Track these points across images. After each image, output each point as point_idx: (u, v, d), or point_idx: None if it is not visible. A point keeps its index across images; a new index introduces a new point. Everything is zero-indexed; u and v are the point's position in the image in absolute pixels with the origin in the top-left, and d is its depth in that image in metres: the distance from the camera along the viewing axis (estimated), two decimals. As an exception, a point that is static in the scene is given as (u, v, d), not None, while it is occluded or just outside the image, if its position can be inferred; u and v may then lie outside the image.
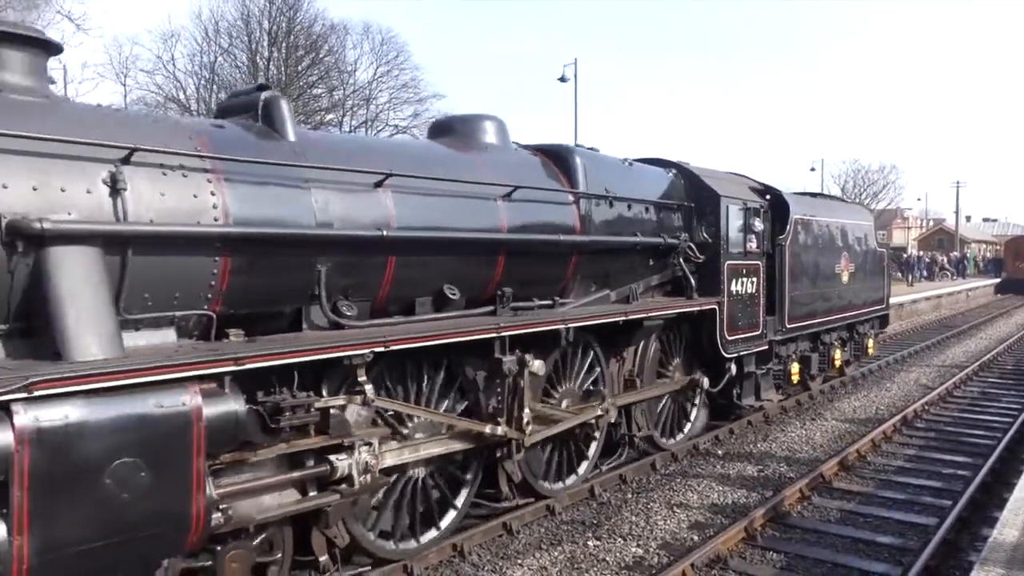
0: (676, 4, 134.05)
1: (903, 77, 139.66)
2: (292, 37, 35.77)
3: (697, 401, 9.45)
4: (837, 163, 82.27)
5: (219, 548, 4.67)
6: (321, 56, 36.81)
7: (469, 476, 6.53)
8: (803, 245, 10.65)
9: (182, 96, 34.60)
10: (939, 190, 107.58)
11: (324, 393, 5.11)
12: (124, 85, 32.52)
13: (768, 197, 10.35)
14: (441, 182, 6.15)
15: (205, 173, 4.74)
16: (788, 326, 10.31)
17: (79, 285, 4.04)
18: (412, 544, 6.06)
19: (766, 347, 9.92)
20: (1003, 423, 10.76)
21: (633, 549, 6.51)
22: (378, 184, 5.70)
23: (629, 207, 8.10)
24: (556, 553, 6.39)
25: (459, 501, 6.46)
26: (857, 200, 52.45)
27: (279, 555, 5.09)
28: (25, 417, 3.52)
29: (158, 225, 4.43)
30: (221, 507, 4.41)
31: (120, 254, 4.30)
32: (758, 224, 9.44)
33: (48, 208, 4.03)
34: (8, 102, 4.23)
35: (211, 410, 4.17)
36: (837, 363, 12.44)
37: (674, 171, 9.23)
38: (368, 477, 5.28)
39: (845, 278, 11.96)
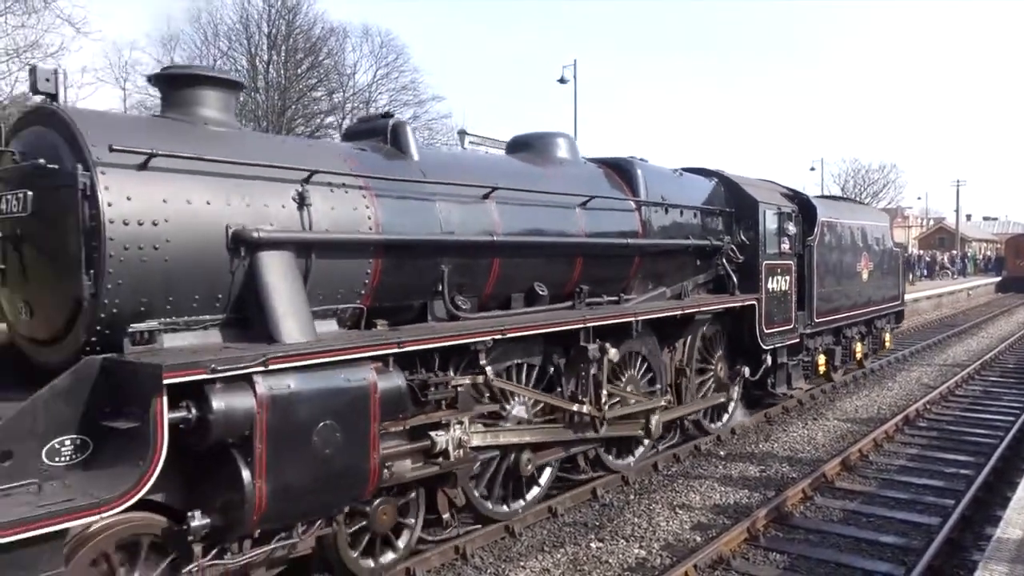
0: (676, 4, 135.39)
1: (903, 76, 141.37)
2: (291, 40, 35.98)
3: (737, 389, 10.47)
4: (837, 162, 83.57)
5: (374, 501, 5.69)
6: (320, 59, 37.12)
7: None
8: (828, 246, 11.72)
9: (181, 100, 35.14)
10: (939, 189, 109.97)
11: (451, 373, 6.13)
12: (124, 89, 32.75)
13: (796, 201, 11.43)
14: (532, 193, 7.18)
15: (360, 190, 5.77)
16: (816, 320, 11.38)
17: (282, 282, 5.05)
18: (504, 509, 7.08)
19: (797, 340, 10.98)
20: (1005, 422, 10.96)
21: (636, 550, 6.65)
22: (485, 196, 6.73)
23: (681, 213, 9.16)
24: (559, 555, 6.54)
25: (543, 479, 7.47)
26: (857, 200, 53.62)
27: (413, 509, 6.11)
28: (263, 385, 4.54)
29: (333, 233, 5.45)
30: (387, 465, 5.43)
31: (306, 257, 5.31)
32: (791, 227, 10.50)
33: (257, 220, 5.04)
34: (212, 133, 5.25)
35: (383, 384, 5.18)
36: (858, 356, 13.51)
37: (716, 179, 10.28)
38: (461, 452, 6.21)
39: (865, 276, 13.05)
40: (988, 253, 63.76)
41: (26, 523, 3.69)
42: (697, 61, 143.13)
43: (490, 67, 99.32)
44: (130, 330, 4.53)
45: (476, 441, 6.49)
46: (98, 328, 4.50)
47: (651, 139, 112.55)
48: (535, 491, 7.37)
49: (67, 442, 4.27)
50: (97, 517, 4.00)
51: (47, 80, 4.67)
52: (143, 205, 4.53)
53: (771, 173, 73.38)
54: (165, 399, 4.20)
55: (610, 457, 8.29)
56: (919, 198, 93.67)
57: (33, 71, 4.64)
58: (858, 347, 13.49)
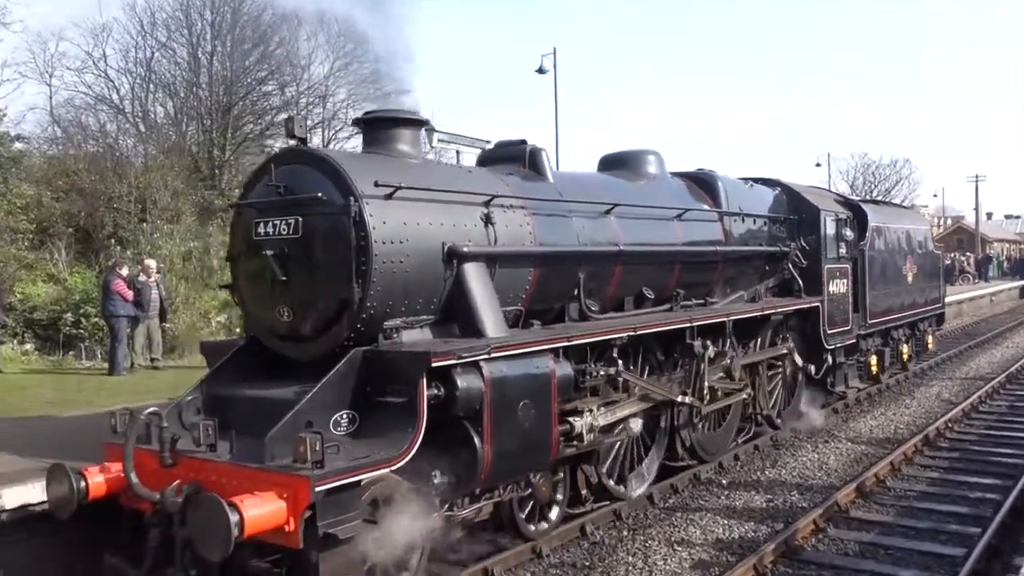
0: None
1: (914, 64, 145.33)
2: (238, 29, 33.70)
3: (800, 383, 12.37)
4: (845, 157, 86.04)
5: (536, 475, 7.49)
6: (271, 49, 35.28)
7: (657, 439, 9.40)
8: (878, 250, 13.78)
9: (115, 96, 33.04)
10: (957, 185, 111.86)
11: (593, 365, 7.98)
12: (49, 85, 31.48)
13: (849, 207, 13.46)
14: (641, 208, 9.07)
15: (522, 209, 7.62)
16: (869, 322, 13.40)
17: (482, 288, 6.88)
18: (621, 489, 8.90)
19: (854, 340, 12.98)
20: (1034, 440, 11.22)
21: (630, 593, 6.71)
22: (607, 212, 8.61)
23: (754, 222, 11.12)
24: (544, 601, 6.61)
25: (646, 465, 9.31)
26: (900, 204, 55.91)
27: (561, 485, 7.93)
28: (487, 370, 6.34)
29: (510, 247, 7.30)
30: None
31: (492, 267, 7.13)
32: (848, 232, 12.52)
33: (461, 237, 6.86)
34: (414, 166, 7.08)
35: (559, 371, 7.02)
36: (905, 357, 15.55)
37: (778, 188, 12.27)
38: (593, 435, 8.01)
39: (910, 279, 15.13)
40: (1012, 254, 66.08)
41: (352, 470, 5.45)
42: (692, 48, 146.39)
43: (463, 59, 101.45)
44: (385, 326, 6.34)
45: (601, 421, 8.21)
46: (358, 325, 6.29)
47: (646, 132, 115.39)
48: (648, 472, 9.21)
49: (344, 416, 6.07)
50: (388, 469, 5.78)
51: (300, 127, 6.50)
52: (393, 227, 6.35)
53: (775, 169, 75.63)
54: (424, 380, 6.00)
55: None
56: (935, 195, 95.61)
57: (290, 120, 6.46)
58: (904, 349, 15.53)
